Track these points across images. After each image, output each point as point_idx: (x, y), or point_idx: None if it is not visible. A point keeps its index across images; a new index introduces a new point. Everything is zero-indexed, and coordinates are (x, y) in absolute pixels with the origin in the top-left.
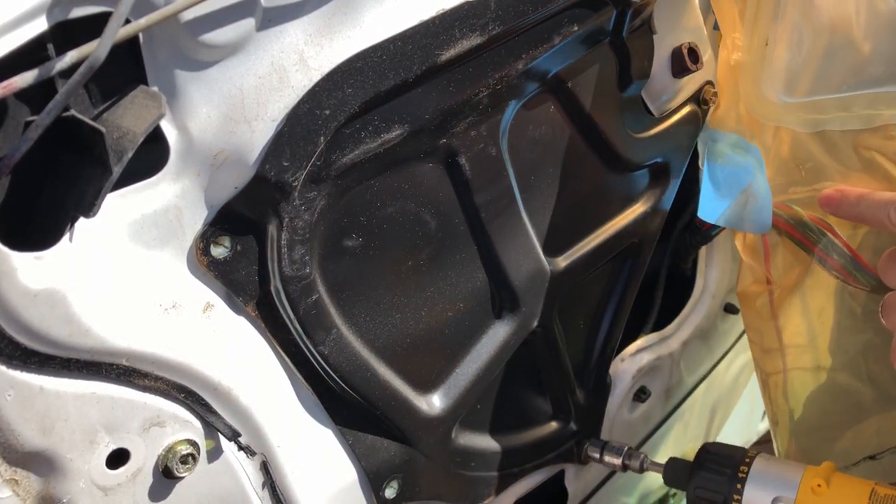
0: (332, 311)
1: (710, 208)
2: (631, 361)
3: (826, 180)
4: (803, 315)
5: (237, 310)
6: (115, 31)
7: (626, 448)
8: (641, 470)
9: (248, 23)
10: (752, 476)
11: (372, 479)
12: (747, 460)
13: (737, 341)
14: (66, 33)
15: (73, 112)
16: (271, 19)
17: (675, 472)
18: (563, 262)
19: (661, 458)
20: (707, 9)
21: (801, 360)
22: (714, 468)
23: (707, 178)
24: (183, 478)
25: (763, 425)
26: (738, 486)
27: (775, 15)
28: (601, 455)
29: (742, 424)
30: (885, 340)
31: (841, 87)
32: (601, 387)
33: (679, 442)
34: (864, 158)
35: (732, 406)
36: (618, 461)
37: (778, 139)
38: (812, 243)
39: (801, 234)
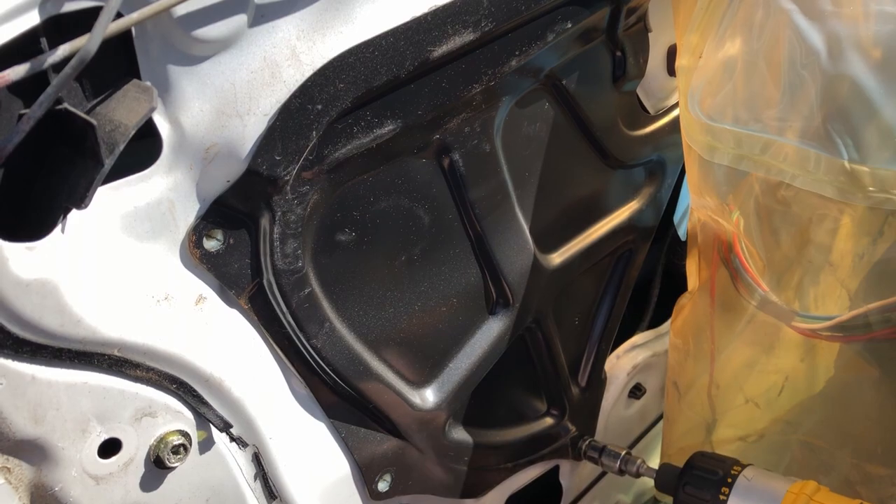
0: (325, 304)
1: (678, 207)
2: (626, 358)
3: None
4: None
5: (230, 302)
6: (106, 25)
7: (623, 453)
8: (637, 475)
9: (241, 18)
10: (738, 487)
11: (365, 472)
12: (734, 472)
13: None
14: (58, 27)
15: (65, 105)
16: (263, 15)
17: (666, 478)
18: (557, 258)
19: (656, 455)
20: None
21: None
22: (701, 477)
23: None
24: (174, 468)
25: None
26: (722, 497)
27: (714, 29)
28: (599, 458)
29: None
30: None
31: (752, 124)
32: (596, 383)
33: None
34: (759, 204)
35: None
36: (615, 465)
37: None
38: (726, 248)
39: (717, 238)
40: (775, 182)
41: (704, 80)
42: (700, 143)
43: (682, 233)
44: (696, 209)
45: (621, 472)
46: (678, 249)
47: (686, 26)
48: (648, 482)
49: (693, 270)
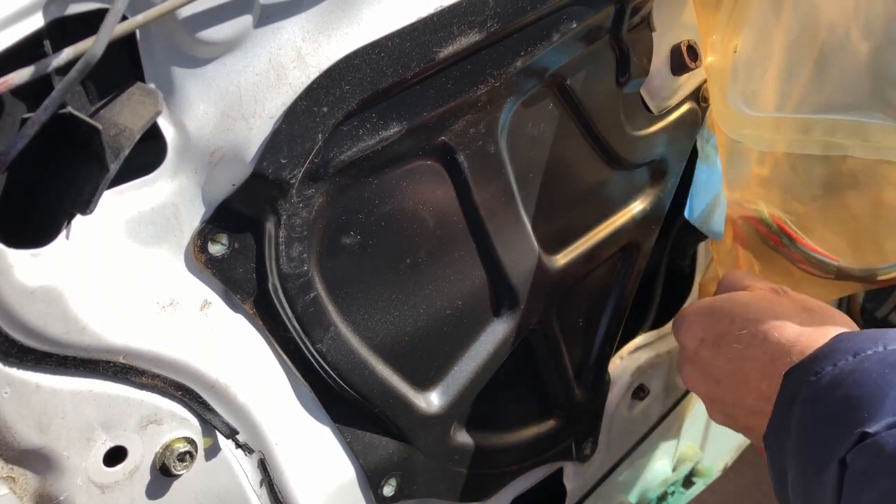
0: (330, 308)
1: (692, 206)
2: (630, 359)
3: (792, 197)
4: None
5: (235, 307)
6: (112, 28)
7: None
8: None
9: (246, 20)
10: None
11: (370, 477)
12: None
13: None
14: (62, 30)
15: (69, 109)
16: (269, 16)
17: None
18: (561, 259)
19: (660, 456)
20: None
21: None
22: None
23: (696, 176)
24: (180, 475)
25: None
26: None
27: (747, 22)
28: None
29: None
30: None
31: (800, 107)
32: (600, 385)
33: (677, 440)
34: (825, 184)
35: None
36: None
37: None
38: (776, 238)
39: (765, 230)
40: (837, 159)
41: (743, 72)
42: (748, 136)
43: (709, 229)
44: (734, 204)
45: None
46: (681, 250)
47: (712, 23)
48: (652, 482)
49: (727, 262)
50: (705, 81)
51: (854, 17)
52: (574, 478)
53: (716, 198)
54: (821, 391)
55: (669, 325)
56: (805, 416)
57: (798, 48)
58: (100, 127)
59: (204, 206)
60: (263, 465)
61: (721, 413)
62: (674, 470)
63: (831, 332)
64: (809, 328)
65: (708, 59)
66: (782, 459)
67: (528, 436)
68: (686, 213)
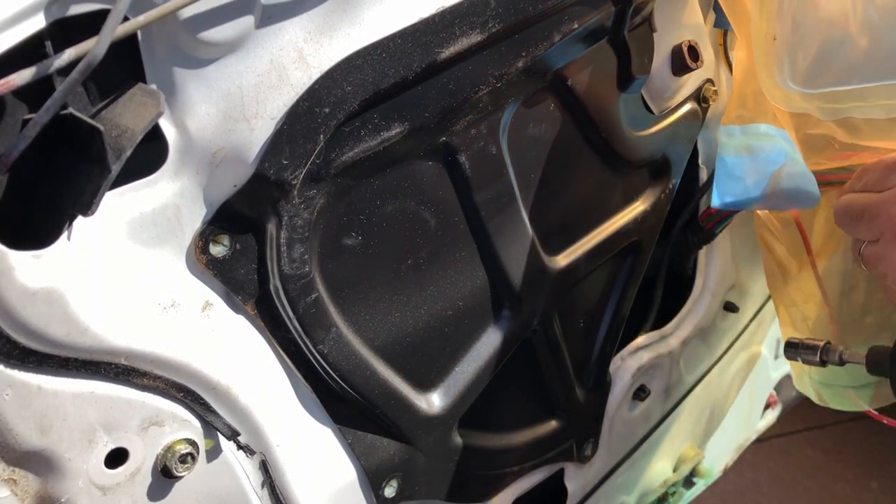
0: (332, 309)
1: (732, 198)
2: (631, 360)
3: (853, 152)
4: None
5: (236, 309)
6: (114, 29)
7: (822, 344)
8: (841, 363)
9: (248, 20)
10: None
11: (371, 478)
12: None
13: (736, 339)
14: (64, 31)
15: (71, 110)
16: (270, 16)
17: (876, 359)
18: (562, 260)
19: (661, 456)
20: (707, 7)
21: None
22: None
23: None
24: (182, 477)
25: (763, 423)
26: None
27: (779, 11)
28: (796, 353)
29: (741, 423)
30: None
31: (851, 79)
32: (601, 385)
33: (678, 440)
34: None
35: (731, 404)
36: (815, 358)
37: (797, 120)
38: None
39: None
40: None
41: (787, 56)
42: (813, 109)
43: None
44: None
45: (823, 362)
46: (682, 250)
47: (744, 17)
48: (653, 483)
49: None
50: (707, 81)
51: None
52: (575, 478)
53: (776, 175)
54: None
55: (671, 325)
56: None
57: (829, 28)
58: (101, 128)
59: (205, 208)
60: (265, 467)
61: None
62: (674, 470)
63: None
64: None
65: (743, 52)
66: None
67: (530, 436)
68: (719, 205)
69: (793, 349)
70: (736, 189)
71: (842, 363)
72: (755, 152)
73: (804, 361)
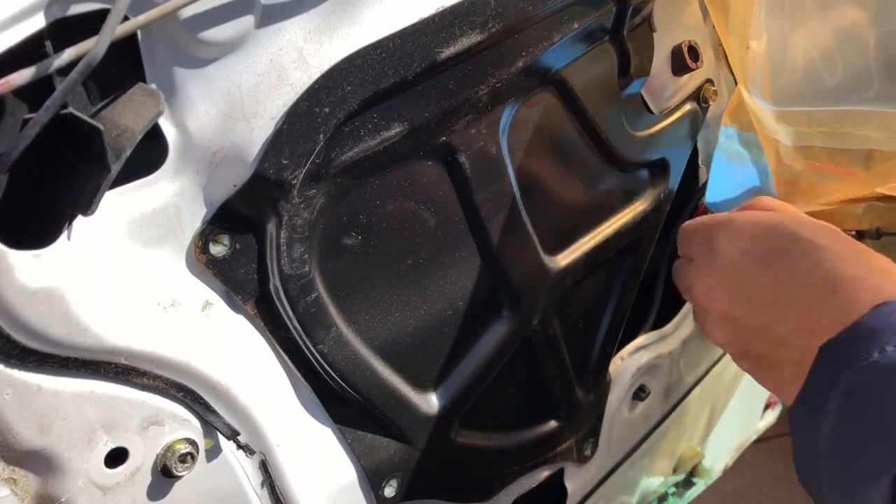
0: (332, 309)
1: (721, 199)
2: (630, 360)
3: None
4: None
5: (236, 308)
6: (114, 28)
7: None
8: None
9: (247, 20)
10: None
11: (371, 478)
12: None
13: None
14: (64, 31)
15: (71, 110)
16: (270, 16)
17: None
18: (562, 260)
19: (661, 456)
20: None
21: None
22: None
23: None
24: (182, 477)
25: (763, 423)
26: None
27: (755, 20)
28: None
29: (741, 423)
30: None
31: (812, 100)
32: (601, 385)
33: (677, 440)
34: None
35: (730, 404)
36: None
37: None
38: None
39: None
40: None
41: (761, 70)
42: (777, 131)
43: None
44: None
45: None
46: None
47: (724, 25)
48: (653, 483)
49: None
50: (706, 81)
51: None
52: (575, 478)
53: (758, 192)
54: (873, 382)
55: (671, 325)
56: (851, 407)
57: (813, 38)
58: (101, 127)
59: (205, 207)
60: (265, 467)
61: (731, 333)
62: (674, 470)
63: None
64: (880, 268)
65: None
66: (815, 438)
67: (530, 436)
68: (711, 203)
69: None
70: (726, 192)
71: None
72: (746, 163)
73: None
